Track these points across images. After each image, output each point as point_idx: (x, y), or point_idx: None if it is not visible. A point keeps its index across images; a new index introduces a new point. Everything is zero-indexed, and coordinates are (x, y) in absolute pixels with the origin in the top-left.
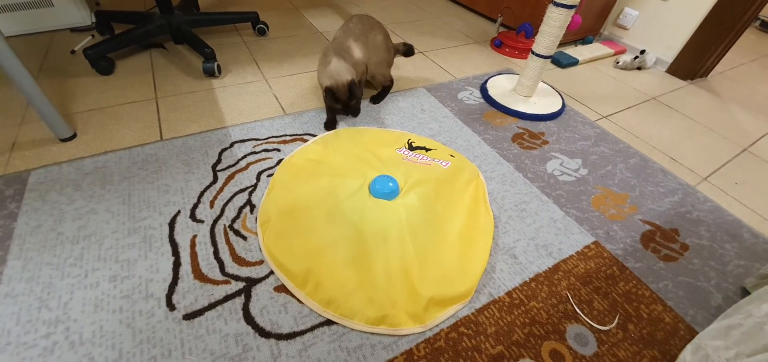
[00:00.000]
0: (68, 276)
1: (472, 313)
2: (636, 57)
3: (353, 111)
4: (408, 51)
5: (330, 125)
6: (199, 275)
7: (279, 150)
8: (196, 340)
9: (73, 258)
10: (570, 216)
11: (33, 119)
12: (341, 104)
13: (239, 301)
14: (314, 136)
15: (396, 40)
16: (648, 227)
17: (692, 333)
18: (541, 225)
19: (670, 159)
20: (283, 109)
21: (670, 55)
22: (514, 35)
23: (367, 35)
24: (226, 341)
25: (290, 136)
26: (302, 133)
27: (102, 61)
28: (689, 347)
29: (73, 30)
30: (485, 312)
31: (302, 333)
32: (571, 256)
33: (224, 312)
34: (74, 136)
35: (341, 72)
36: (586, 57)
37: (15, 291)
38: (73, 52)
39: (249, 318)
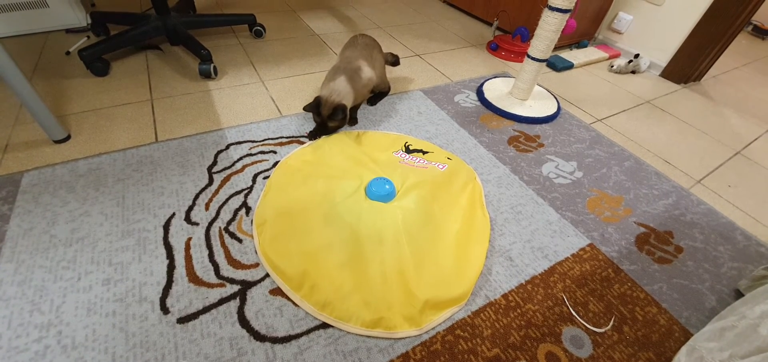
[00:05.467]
0: (61, 279)
1: (468, 316)
2: (630, 61)
3: (329, 131)
4: (395, 61)
5: (314, 134)
6: (193, 278)
7: (275, 152)
8: (190, 344)
9: (65, 261)
10: (565, 218)
11: (26, 120)
12: (320, 119)
13: (234, 304)
14: None
15: (392, 43)
16: (642, 229)
17: (687, 335)
18: (537, 228)
19: (664, 162)
20: (279, 111)
21: (663, 59)
22: (510, 39)
23: (371, 53)
24: (220, 345)
25: (286, 138)
26: (298, 135)
27: (97, 63)
28: (684, 349)
29: (68, 31)
30: (481, 314)
31: (298, 336)
32: (567, 259)
33: (219, 315)
34: (68, 137)
35: (341, 93)
36: (581, 61)
37: (6, 294)
38: (67, 53)
39: (244, 322)
